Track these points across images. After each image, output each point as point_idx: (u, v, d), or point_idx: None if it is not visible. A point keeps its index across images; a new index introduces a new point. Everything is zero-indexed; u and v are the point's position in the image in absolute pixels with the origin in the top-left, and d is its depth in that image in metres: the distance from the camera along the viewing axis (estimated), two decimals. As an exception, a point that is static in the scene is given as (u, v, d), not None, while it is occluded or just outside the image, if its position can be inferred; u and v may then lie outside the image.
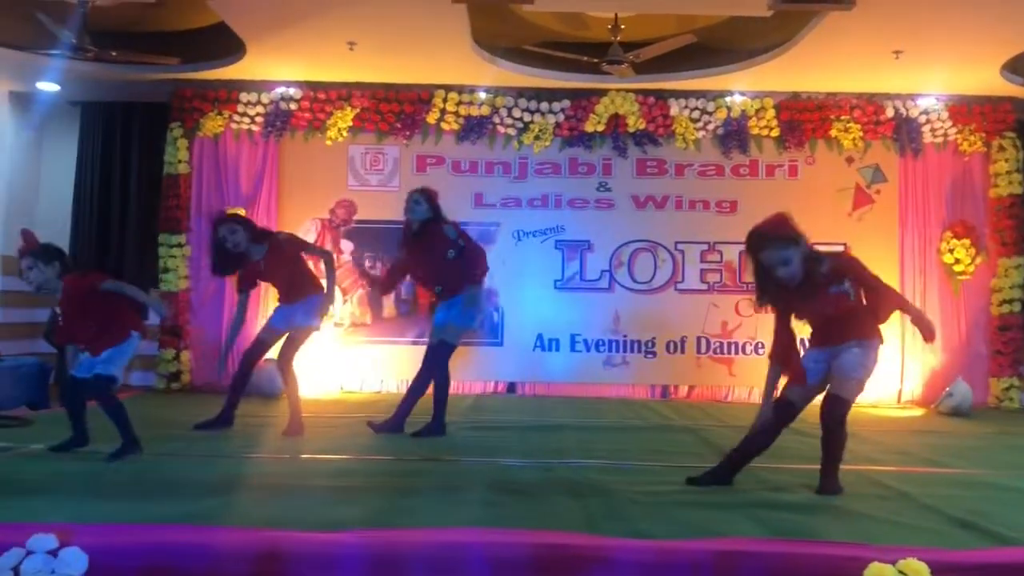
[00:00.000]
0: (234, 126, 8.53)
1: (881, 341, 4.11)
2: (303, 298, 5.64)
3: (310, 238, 8.51)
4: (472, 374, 8.57)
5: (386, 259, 8.44)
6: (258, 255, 5.61)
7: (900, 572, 2.58)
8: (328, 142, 8.53)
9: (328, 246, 8.52)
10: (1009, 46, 7.18)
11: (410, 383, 5.88)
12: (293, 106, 8.49)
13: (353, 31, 7.11)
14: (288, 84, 8.46)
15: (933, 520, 3.46)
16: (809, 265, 3.91)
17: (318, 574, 2.75)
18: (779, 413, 4.06)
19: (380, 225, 8.36)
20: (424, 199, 5.69)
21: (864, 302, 4.03)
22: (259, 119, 8.50)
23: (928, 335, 4.00)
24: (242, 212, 8.35)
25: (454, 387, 8.55)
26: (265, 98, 8.46)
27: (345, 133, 8.53)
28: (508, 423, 6.31)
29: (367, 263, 8.54)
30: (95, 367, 4.46)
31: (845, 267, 4.01)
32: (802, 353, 4.16)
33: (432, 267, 5.70)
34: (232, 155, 8.55)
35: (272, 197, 8.53)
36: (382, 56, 7.73)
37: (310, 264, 5.97)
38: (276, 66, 8.08)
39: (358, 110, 8.50)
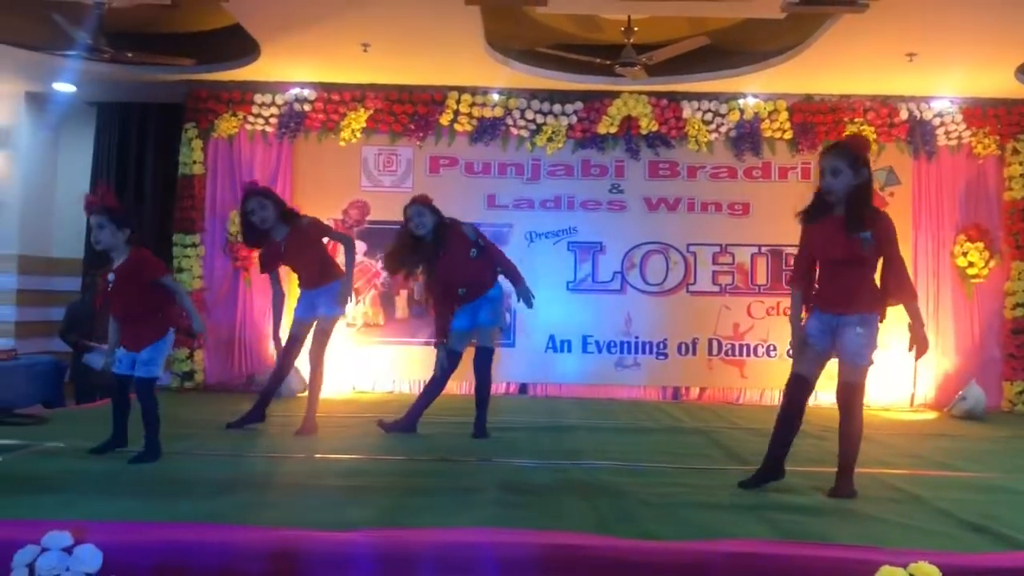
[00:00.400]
0: (248, 127, 8.58)
1: (882, 318, 4.10)
2: (325, 284, 5.60)
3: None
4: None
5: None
6: (280, 236, 5.58)
7: (911, 575, 2.58)
8: (342, 143, 8.57)
9: (340, 247, 8.55)
10: (1024, 49, 7.15)
11: (425, 385, 5.87)
12: (307, 107, 8.53)
13: (367, 33, 7.14)
14: (302, 85, 8.51)
15: (945, 524, 3.45)
16: (853, 196, 3.89)
17: (330, 573, 2.77)
18: (793, 389, 4.11)
19: (393, 226, 8.25)
20: (426, 209, 5.55)
21: (878, 275, 4.00)
22: (273, 120, 8.54)
23: (920, 350, 4.01)
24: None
25: (465, 388, 8.63)
26: (279, 99, 8.51)
27: (359, 134, 8.56)
28: (520, 424, 6.32)
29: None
30: (137, 367, 4.42)
31: (880, 223, 3.96)
32: (804, 319, 4.13)
33: (456, 270, 5.58)
34: (246, 156, 8.60)
35: (286, 197, 8.48)
36: (396, 58, 7.76)
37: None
38: (290, 67, 8.13)
39: (372, 111, 8.53)
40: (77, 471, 4.12)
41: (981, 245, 8.35)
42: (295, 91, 8.51)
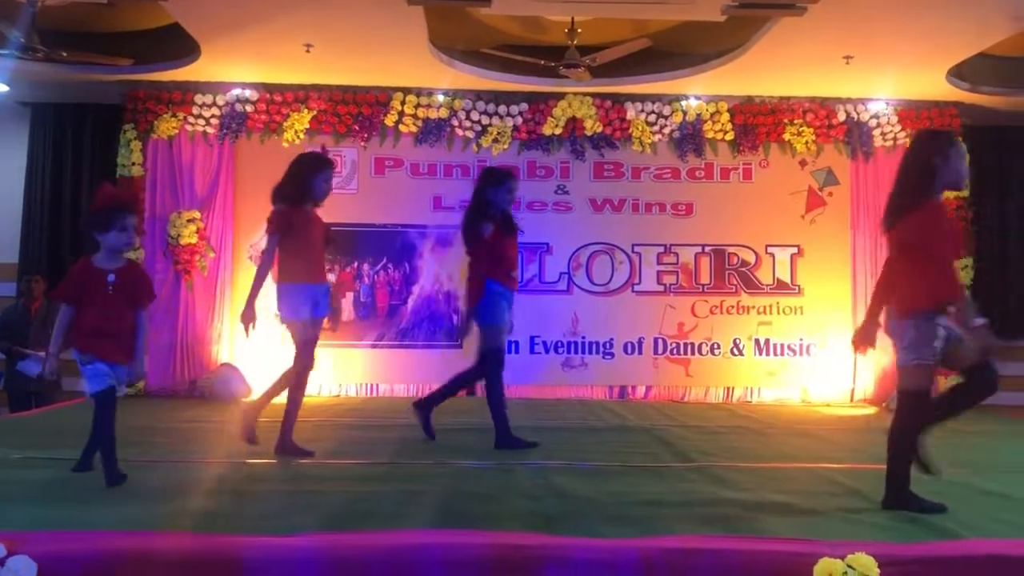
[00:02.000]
0: (189, 128, 8.43)
1: (928, 311, 3.66)
2: (325, 281, 5.11)
3: (265, 242, 8.44)
4: (432, 376, 8.54)
5: (346, 262, 8.42)
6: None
7: (849, 567, 2.63)
8: (285, 144, 8.47)
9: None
10: (954, 53, 7.37)
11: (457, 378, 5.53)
12: (249, 108, 8.42)
13: (309, 33, 7.08)
14: (244, 86, 8.39)
15: (882, 516, 3.54)
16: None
17: (274, 579, 2.73)
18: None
19: (338, 228, 8.28)
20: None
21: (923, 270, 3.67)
22: (214, 121, 8.42)
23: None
24: (197, 215, 8.30)
25: (414, 390, 8.61)
26: (220, 100, 8.38)
27: (302, 135, 8.48)
28: (466, 425, 6.31)
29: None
30: (115, 378, 3.96)
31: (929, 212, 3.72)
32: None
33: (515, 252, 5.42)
34: (187, 157, 8.46)
35: (228, 199, 8.45)
36: (339, 58, 7.71)
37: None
38: (231, 68, 8.01)
39: (315, 112, 8.46)
40: (10, 481, 4.01)
41: (916, 244, 8.56)
42: (237, 91, 8.39)
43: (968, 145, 8.49)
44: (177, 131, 8.41)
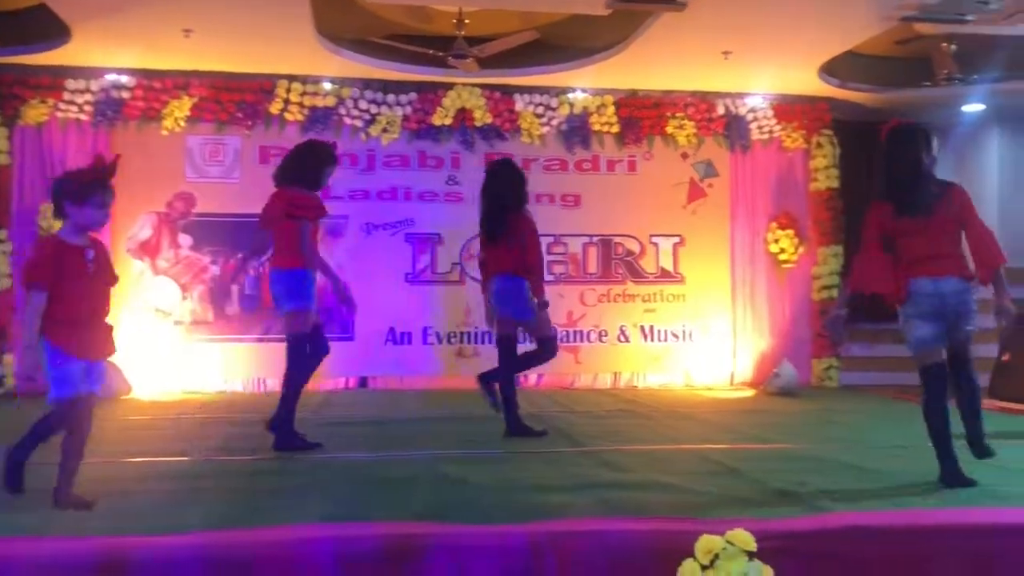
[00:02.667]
0: (60, 115, 8.02)
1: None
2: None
3: (145, 233, 8.17)
4: (323, 369, 8.41)
5: (229, 253, 8.19)
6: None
7: (728, 542, 2.74)
8: (164, 132, 8.17)
9: (165, 241, 8.20)
10: (825, 50, 7.73)
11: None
12: (125, 94, 8.08)
13: (188, 18, 6.85)
14: (119, 71, 8.04)
15: (759, 493, 3.71)
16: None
17: (160, 580, 2.67)
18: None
19: (221, 218, 8.10)
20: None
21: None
22: (88, 107, 8.04)
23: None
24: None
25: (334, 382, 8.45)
26: (94, 85, 8.01)
27: (182, 123, 8.19)
28: (359, 418, 6.29)
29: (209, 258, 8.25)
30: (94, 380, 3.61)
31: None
32: None
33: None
34: (58, 145, 8.04)
35: (104, 190, 8.09)
36: (220, 44, 7.48)
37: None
38: (106, 52, 7.66)
39: (196, 99, 8.18)
40: None
41: (791, 232, 8.98)
42: (112, 77, 8.04)
43: (838, 139, 9.04)
44: (47, 117, 7.99)
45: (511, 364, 5.40)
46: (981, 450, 3.94)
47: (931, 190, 3.89)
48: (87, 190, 3.46)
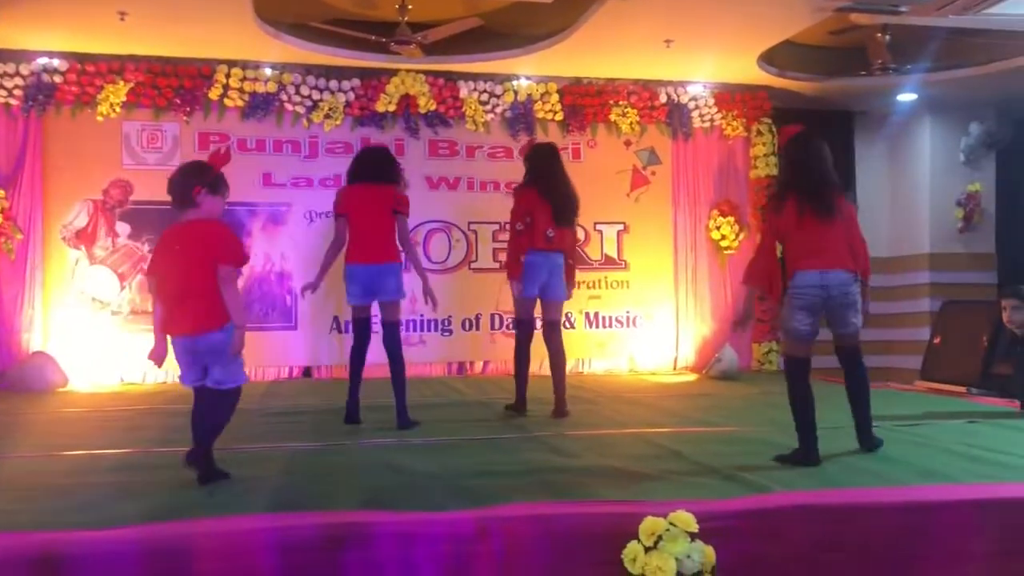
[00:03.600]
0: (-12, 99, 7.78)
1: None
2: (391, 262, 5.27)
3: (81, 220, 7.97)
4: (265, 359, 8.36)
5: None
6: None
7: (671, 524, 2.80)
8: (99, 118, 7.96)
9: (102, 229, 8.00)
10: (763, 39, 7.85)
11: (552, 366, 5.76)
12: (58, 79, 7.84)
13: (123, 0, 6.67)
14: (51, 55, 7.80)
15: (701, 475, 3.78)
16: None
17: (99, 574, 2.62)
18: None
19: (160, 207, 7.89)
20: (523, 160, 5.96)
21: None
22: (17, 92, 7.78)
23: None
24: (1, 194, 7.70)
25: (247, 374, 8.33)
26: (24, 69, 7.75)
27: (118, 109, 7.98)
28: (303, 408, 6.22)
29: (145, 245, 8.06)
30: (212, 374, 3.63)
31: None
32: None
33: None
34: (-14, 131, 7.80)
35: (36, 177, 7.86)
36: (157, 27, 7.30)
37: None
38: (35, 35, 7.43)
39: (132, 84, 7.98)
40: None
41: (732, 219, 9.12)
42: (43, 60, 7.79)
43: (778, 126, 9.18)
44: (-27, 102, 7.75)
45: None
46: (871, 441, 4.27)
47: (835, 194, 4.18)
48: (220, 181, 3.70)
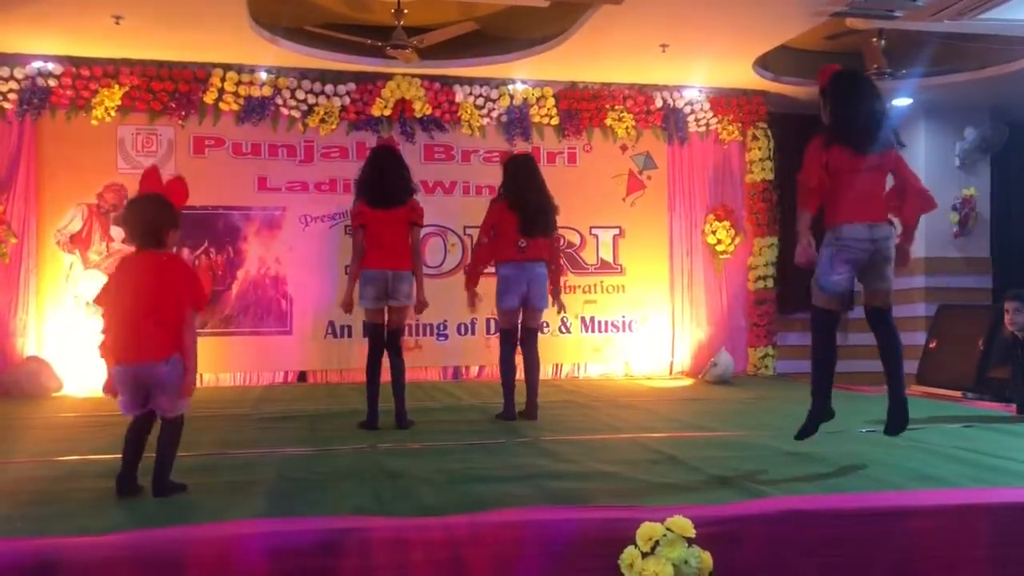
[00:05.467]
0: (-18, 103, 7.76)
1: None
2: (406, 269, 5.46)
3: (76, 225, 7.95)
4: (260, 364, 8.34)
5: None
6: None
7: (668, 529, 2.78)
8: (94, 122, 7.95)
9: (96, 233, 7.98)
10: (759, 44, 7.86)
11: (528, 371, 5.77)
12: (52, 83, 7.83)
13: (119, 3, 6.66)
14: (46, 59, 7.79)
15: (697, 479, 3.76)
16: None
17: (91, 581, 2.60)
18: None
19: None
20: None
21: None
22: (12, 96, 7.77)
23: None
24: None
25: (240, 379, 8.35)
26: (19, 73, 7.74)
27: (113, 113, 7.97)
28: (297, 412, 6.20)
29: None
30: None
31: None
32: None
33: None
34: (-20, 135, 7.78)
35: (31, 181, 7.85)
36: (152, 31, 7.29)
37: None
38: (31, 39, 7.42)
39: (127, 88, 7.97)
40: None
41: (728, 224, 9.13)
42: (38, 64, 7.78)
43: (773, 131, 9.20)
44: (-33, 106, 7.73)
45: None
46: (903, 415, 4.09)
47: (887, 134, 4.05)
48: (178, 217, 3.67)
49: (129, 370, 3.49)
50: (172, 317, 3.51)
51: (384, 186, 5.43)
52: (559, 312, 6.11)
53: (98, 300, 3.70)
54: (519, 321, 5.80)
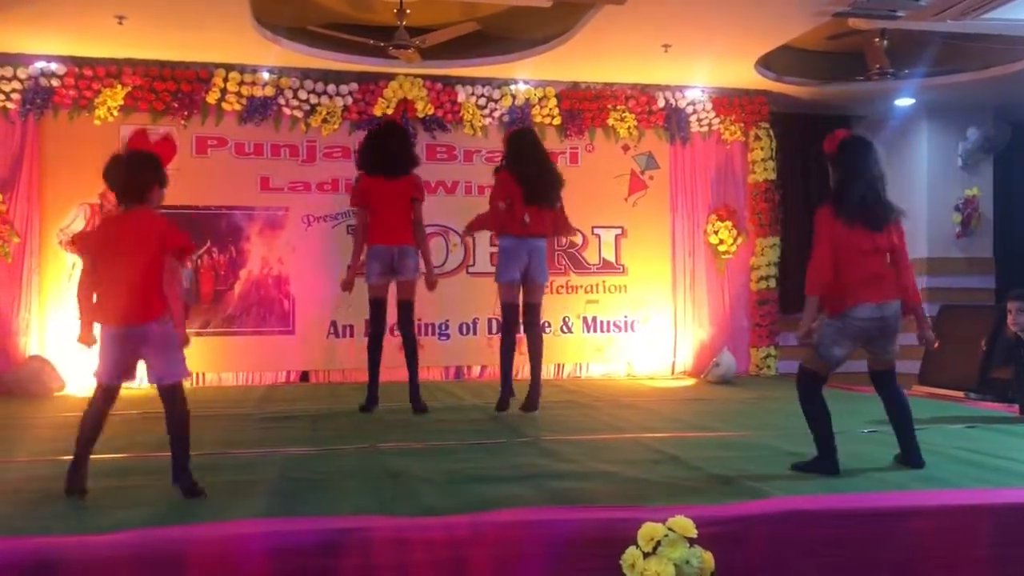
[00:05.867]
0: (-15, 103, 7.76)
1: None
2: (410, 244, 5.63)
3: (78, 225, 7.94)
4: (263, 364, 8.35)
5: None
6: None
7: (669, 529, 2.79)
8: (97, 122, 7.95)
9: (99, 233, 7.98)
10: (761, 44, 7.85)
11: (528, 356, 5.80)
12: (55, 82, 7.83)
13: (121, 3, 6.66)
14: (49, 58, 7.79)
15: (699, 480, 3.77)
16: None
17: (94, 580, 2.61)
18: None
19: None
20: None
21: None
22: (15, 96, 7.77)
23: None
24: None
25: (243, 378, 8.35)
26: (22, 73, 7.75)
27: (116, 112, 7.97)
28: (300, 412, 6.21)
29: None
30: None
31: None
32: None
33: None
34: (-17, 135, 7.79)
35: (33, 181, 7.86)
36: (155, 31, 7.29)
37: None
38: (33, 39, 7.42)
39: (130, 88, 7.97)
40: None
41: (730, 224, 9.12)
42: (40, 64, 7.79)
43: (775, 131, 9.20)
44: (-30, 106, 7.73)
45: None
46: (919, 459, 4.03)
47: (891, 208, 3.97)
48: (166, 173, 3.66)
49: (119, 332, 3.45)
50: (157, 275, 3.46)
51: (387, 153, 5.47)
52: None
53: (75, 243, 3.67)
54: (520, 300, 5.81)
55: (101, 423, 3.56)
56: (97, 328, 3.59)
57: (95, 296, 3.55)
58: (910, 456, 4.04)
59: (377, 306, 5.62)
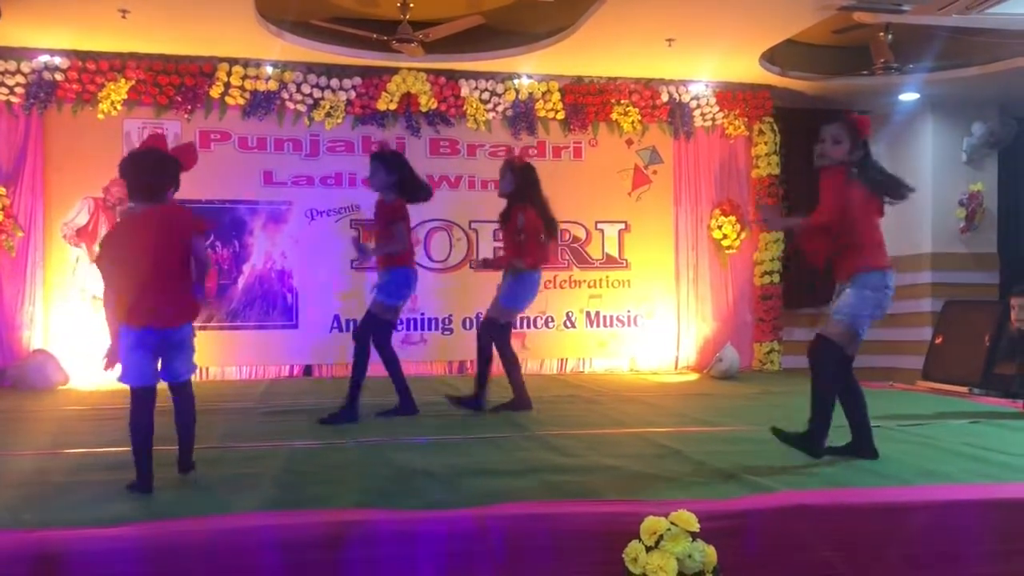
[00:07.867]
0: (-11, 97, 7.77)
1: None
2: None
3: (82, 218, 7.96)
4: (266, 358, 8.36)
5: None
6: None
7: (672, 523, 2.79)
8: (100, 116, 7.96)
9: (103, 227, 7.99)
10: (766, 39, 7.83)
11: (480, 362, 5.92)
12: (59, 76, 7.84)
13: (125, -3, 6.67)
14: (53, 52, 7.80)
15: (702, 474, 3.77)
16: None
17: (97, 573, 2.61)
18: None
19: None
20: (510, 171, 5.77)
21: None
22: (19, 90, 7.78)
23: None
24: (3, 191, 7.71)
25: (246, 372, 8.37)
26: (26, 67, 7.76)
27: (119, 107, 7.98)
28: (303, 406, 6.21)
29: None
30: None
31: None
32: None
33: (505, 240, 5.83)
34: (-13, 128, 7.80)
35: (37, 175, 7.87)
36: (158, 25, 7.30)
37: None
38: (38, 33, 7.43)
39: (133, 82, 7.97)
40: None
41: (733, 219, 9.11)
42: (45, 58, 7.79)
43: (779, 126, 9.18)
44: (-25, 100, 7.74)
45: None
46: (873, 451, 4.07)
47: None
48: (179, 178, 3.63)
49: (149, 334, 3.44)
50: (188, 273, 3.51)
51: (421, 185, 5.62)
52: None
53: (98, 261, 3.67)
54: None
55: (152, 427, 3.53)
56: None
57: (119, 297, 3.50)
58: (868, 447, 4.08)
59: (392, 330, 5.79)
